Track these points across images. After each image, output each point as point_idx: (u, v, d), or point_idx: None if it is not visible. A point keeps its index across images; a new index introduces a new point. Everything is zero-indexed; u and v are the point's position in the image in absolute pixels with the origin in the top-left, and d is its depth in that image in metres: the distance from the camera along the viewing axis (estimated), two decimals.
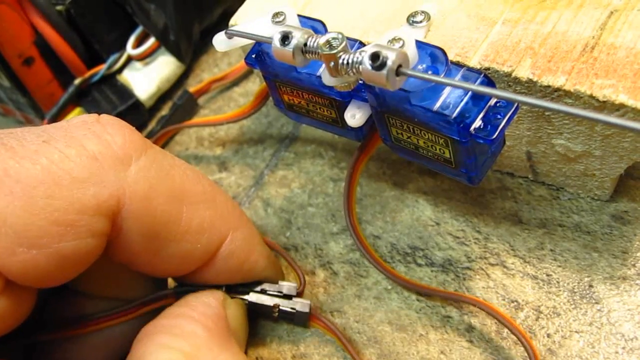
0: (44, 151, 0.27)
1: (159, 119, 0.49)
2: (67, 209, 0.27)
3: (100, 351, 0.34)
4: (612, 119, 0.21)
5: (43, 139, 0.28)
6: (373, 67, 0.26)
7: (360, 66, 0.26)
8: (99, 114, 0.48)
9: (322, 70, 0.29)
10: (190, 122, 0.47)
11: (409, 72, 0.26)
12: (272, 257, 0.36)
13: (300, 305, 0.35)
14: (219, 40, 0.34)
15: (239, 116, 0.42)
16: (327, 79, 0.29)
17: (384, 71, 0.25)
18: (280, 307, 0.35)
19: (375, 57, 0.26)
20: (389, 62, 0.25)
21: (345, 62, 0.27)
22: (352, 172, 0.34)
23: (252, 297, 0.35)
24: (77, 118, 0.30)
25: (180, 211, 0.30)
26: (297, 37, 0.28)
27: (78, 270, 0.29)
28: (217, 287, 0.34)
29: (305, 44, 0.28)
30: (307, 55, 0.29)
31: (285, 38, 0.28)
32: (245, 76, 0.50)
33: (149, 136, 0.48)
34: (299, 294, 0.36)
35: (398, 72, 0.26)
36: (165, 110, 0.50)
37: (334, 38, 0.27)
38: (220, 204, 0.33)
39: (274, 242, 0.40)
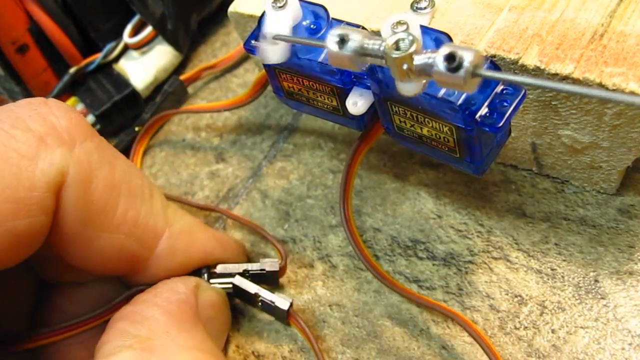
0: None
1: (149, 106, 0.48)
2: (18, 187, 0.26)
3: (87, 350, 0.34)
4: (624, 96, 0.21)
5: None
6: (448, 69, 0.23)
7: (433, 68, 0.23)
8: (94, 103, 0.48)
9: (397, 82, 0.26)
10: (185, 108, 0.46)
11: (487, 72, 0.23)
12: (224, 238, 0.36)
13: (280, 301, 0.34)
14: (271, 52, 0.31)
15: (237, 104, 0.41)
16: (406, 88, 0.26)
17: (461, 73, 0.23)
18: (261, 297, 0.34)
19: (450, 57, 0.23)
20: (466, 63, 0.23)
21: (419, 63, 0.24)
22: (350, 162, 0.33)
23: (236, 280, 0.35)
24: (24, 100, 0.30)
25: (117, 201, 0.30)
26: (355, 39, 0.26)
27: (31, 250, 0.28)
28: (199, 273, 0.34)
29: (364, 46, 0.26)
30: (368, 58, 0.26)
31: (342, 41, 0.26)
32: (238, 64, 0.49)
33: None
34: (282, 269, 0.36)
35: (474, 73, 0.23)
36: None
37: (401, 39, 0.25)
38: (156, 200, 0.33)
39: (241, 216, 0.40)
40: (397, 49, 0.24)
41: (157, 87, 0.50)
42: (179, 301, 0.31)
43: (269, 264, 0.35)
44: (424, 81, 0.26)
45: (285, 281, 0.37)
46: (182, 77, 0.49)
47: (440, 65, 0.23)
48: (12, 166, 0.26)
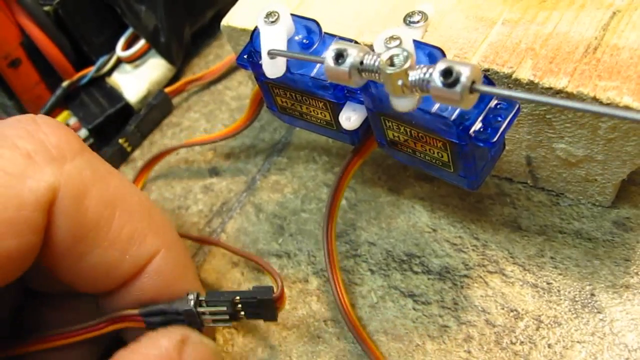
0: None
1: (133, 118, 0.48)
2: (6, 206, 0.26)
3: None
4: (618, 111, 0.20)
5: None
6: (444, 85, 0.23)
7: (430, 84, 0.23)
8: (87, 117, 0.47)
9: (391, 98, 0.26)
10: (188, 142, 0.45)
11: (484, 88, 0.23)
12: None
13: (261, 292, 0.32)
14: (275, 68, 0.31)
15: (237, 129, 0.40)
16: (400, 104, 0.26)
17: (458, 88, 0.23)
18: (242, 300, 0.32)
19: (447, 73, 0.23)
20: (463, 79, 0.22)
21: (414, 79, 0.24)
22: (341, 176, 0.33)
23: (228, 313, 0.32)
24: (13, 118, 0.30)
25: (112, 216, 0.30)
26: (353, 55, 0.25)
27: (22, 269, 0.28)
28: (186, 300, 0.31)
29: (362, 62, 0.26)
30: (364, 74, 0.26)
31: (339, 56, 0.26)
32: (227, 75, 0.49)
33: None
34: (280, 298, 0.32)
35: (472, 89, 0.23)
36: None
37: (395, 55, 0.24)
38: (155, 218, 0.32)
39: (239, 249, 0.39)
40: (392, 64, 0.24)
41: None
42: (157, 357, 0.29)
43: (263, 292, 0.32)
44: (418, 97, 0.26)
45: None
46: (167, 90, 0.49)
47: (437, 80, 0.23)
48: None
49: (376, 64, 0.25)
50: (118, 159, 0.48)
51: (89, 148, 0.31)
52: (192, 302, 0.31)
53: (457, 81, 0.23)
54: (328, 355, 0.34)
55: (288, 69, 0.31)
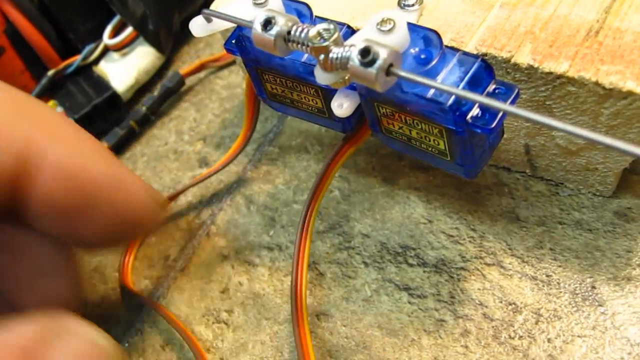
0: None
1: (147, 99, 0.47)
2: None
3: None
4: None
5: None
6: (362, 63, 0.24)
7: (349, 62, 0.24)
8: (74, 107, 0.46)
9: (316, 68, 0.26)
10: (195, 179, 0.41)
11: (401, 72, 0.24)
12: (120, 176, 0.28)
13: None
14: (196, 25, 0.31)
15: (240, 146, 0.39)
16: (320, 76, 0.27)
17: (373, 69, 0.23)
18: None
19: (365, 52, 0.24)
20: (380, 60, 0.23)
21: (335, 56, 0.25)
22: (330, 163, 0.32)
23: None
24: None
25: None
26: (281, 24, 0.26)
27: None
28: None
29: (289, 32, 0.26)
30: (290, 44, 0.26)
31: (267, 23, 0.26)
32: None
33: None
34: None
35: (389, 71, 0.24)
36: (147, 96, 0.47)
37: (325, 29, 0.25)
38: (32, 108, 0.26)
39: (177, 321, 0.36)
40: (321, 39, 0.25)
41: (139, 90, 0.49)
42: (11, 351, 0.21)
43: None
44: (346, 77, 0.26)
45: (270, 291, 0.36)
46: (182, 71, 0.48)
47: (355, 58, 0.24)
48: None
49: (302, 35, 0.25)
50: (126, 139, 0.47)
51: None
52: None
53: (373, 61, 0.23)
54: (320, 351, 0.33)
55: None
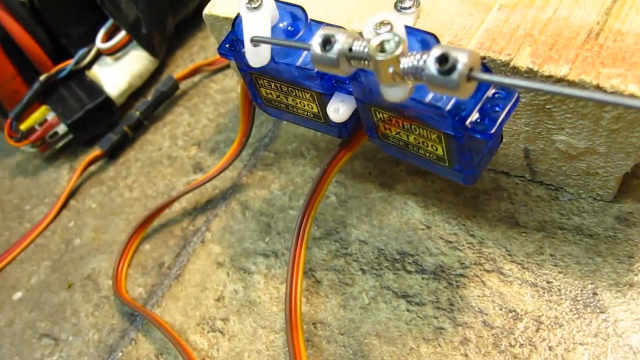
0: None
1: (140, 103, 0.47)
2: None
3: None
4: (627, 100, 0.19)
5: None
6: (440, 72, 0.21)
7: (424, 71, 0.22)
8: (66, 112, 0.46)
9: (382, 87, 0.24)
10: (190, 186, 0.41)
11: (483, 76, 0.21)
12: None
13: None
14: (254, 54, 0.29)
15: (236, 152, 0.38)
16: (391, 94, 0.24)
17: (454, 76, 0.21)
18: None
19: (443, 59, 0.21)
20: (460, 66, 0.21)
21: (407, 66, 0.22)
22: (326, 169, 0.31)
23: None
24: None
25: None
26: (342, 41, 0.24)
27: None
28: None
29: (351, 49, 0.24)
30: (354, 61, 0.24)
31: (326, 42, 0.24)
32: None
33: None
34: None
35: (470, 76, 0.21)
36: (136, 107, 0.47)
37: (386, 40, 0.23)
38: None
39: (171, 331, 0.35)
40: (382, 50, 0.23)
41: (132, 94, 0.48)
42: None
43: None
44: (410, 86, 0.24)
45: (266, 299, 0.35)
46: (176, 75, 0.47)
47: (432, 67, 0.21)
48: None
49: (365, 50, 0.23)
50: (120, 144, 0.46)
51: None
52: None
53: (453, 68, 0.21)
54: (318, 359, 0.32)
55: (272, 58, 0.29)
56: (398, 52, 0.22)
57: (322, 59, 0.24)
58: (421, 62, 0.22)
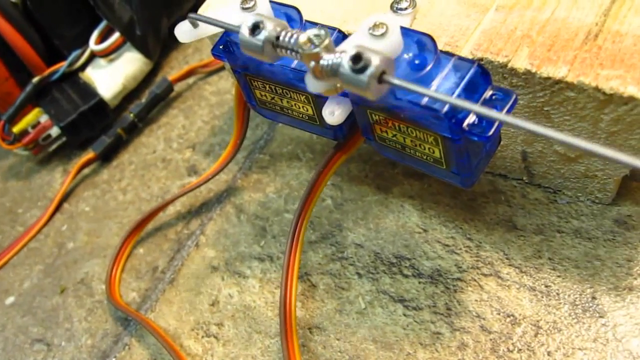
0: None
1: (134, 105, 0.46)
2: None
3: None
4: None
5: None
6: (353, 70, 0.23)
7: (339, 68, 0.23)
8: (59, 114, 0.45)
9: (307, 75, 0.25)
10: (184, 189, 0.40)
11: (394, 80, 0.23)
12: None
13: None
14: (182, 30, 0.31)
15: (231, 154, 0.38)
16: (311, 84, 0.25)
17: (364, 76, 0.22)
18: None
19: (356, 59, 0.23)
20: (371, 67, 0.22)
21: (326, 63, 0.23)
22: (321, 171, 0.31)
23: None
24: None
25: None
26: (269, 29, 0.25)
27: None
28: None
29: (278, 37, 0.25)
30: (279, 50, 0.25)
31: (255, 27, 0.25)
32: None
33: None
34: None
35: (381, 79, 0.23)
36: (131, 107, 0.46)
37: (315, 35, 0.24)
38: None
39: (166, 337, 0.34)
40: (312, 45, 0.24)
41: (126, 97, 0.48)
42: None
43: None
44: (338, 85, 0.24)
45: (261, 303, 0.35)
46: (171, 77, 0.47)
47: (346, 65, 0.23)
48: None
49: (292, 41, 0.24)
50: (114, 147, 0.46)
51: None
52: None
53: (365, 68, 0.22)
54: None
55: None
56: (319, 48, 0.23)
57: (248, 43, 0.25)
58: (338, 59, 0.23)
